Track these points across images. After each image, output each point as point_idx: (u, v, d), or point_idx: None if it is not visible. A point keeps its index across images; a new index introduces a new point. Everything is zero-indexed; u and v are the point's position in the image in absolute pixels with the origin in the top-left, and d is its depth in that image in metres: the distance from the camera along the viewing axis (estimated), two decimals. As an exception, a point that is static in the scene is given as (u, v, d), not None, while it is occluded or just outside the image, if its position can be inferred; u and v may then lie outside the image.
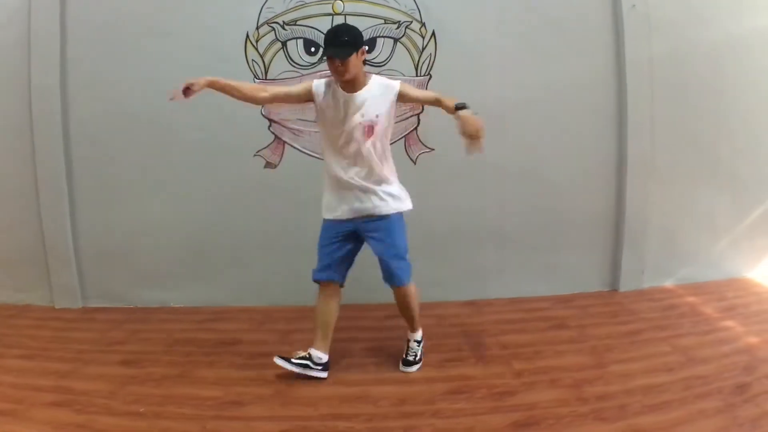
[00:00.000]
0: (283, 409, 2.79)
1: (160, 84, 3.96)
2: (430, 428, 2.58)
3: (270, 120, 4.01)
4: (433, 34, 3.94)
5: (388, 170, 3.04)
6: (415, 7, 3.91)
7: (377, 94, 2.90)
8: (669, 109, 4.17)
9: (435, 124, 3.98)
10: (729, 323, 3.67)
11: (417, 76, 3.94)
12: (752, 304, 3.98)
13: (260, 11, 3.92)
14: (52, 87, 4.05)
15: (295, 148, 4.03)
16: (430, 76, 3.94)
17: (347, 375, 3.13)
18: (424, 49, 3.94)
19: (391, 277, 3.02)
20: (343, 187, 2.98)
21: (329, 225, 3.06)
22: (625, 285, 4.27)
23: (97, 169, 4.17)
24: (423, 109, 3.97)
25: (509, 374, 3.07)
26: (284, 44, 3.94)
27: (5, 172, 4.26)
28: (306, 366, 3.08)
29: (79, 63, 4.08)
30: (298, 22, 3.91)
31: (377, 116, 2.89)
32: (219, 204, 4.16)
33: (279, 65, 3.96)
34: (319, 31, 3.88)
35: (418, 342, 3.26)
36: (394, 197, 3.00)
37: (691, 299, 4.10)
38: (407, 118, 3.99)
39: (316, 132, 3.87)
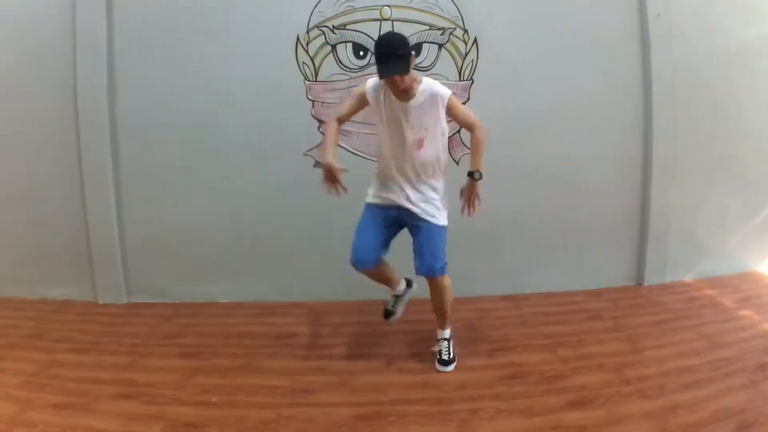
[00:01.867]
0: (354, 396, 3.01)
1: (209, 82, 4.18)
2: (493, 409, 2.85)
3: (320, 121, 4.21)
4: (475, 40, 4.19)
5: (438, 180, 3.19)
6: (458, 14, 4.16)
7: (425, 105, 3.00)
8: (691, 113, 4.47)
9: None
10: (746, 312, 4.03)
11: (460, 80, 4.20)
12: (765, 296, 4.34)
13: (310, 15, 4.12)
14: (99, 82, 4.18)
15: (344, 148, 4.21)
16: (473, 81, 4.19)
17: (408, 364, 3.36)
18: (466, 54, 4.19)
19: (433, 265, 3.17)
20: (392, 183, 3.17)
21: (374, 208, 3.22)
22: (650, 279, 4.59)
23: (143, 165, 4.32)
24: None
25: (556, 361, 3.36)
26: (334, 47, 4.15)
27: (51, 166, 4.38)
28: (401, 298, 3.51)
29: (127, 58, 4.22)
30: (347, 27, 4.13)
31: (426, 129, 3.05)
32: (266, 201, 4.33)
33: (329, 68, 4.17)
34: (367, 35, 4.13)
35: (448, 340, 3.42)
36: (437, 208, 3.17)
37: (709, 292, 4.45)
38: (450, 121, 4.13)
39: (365, 133, 4.15)
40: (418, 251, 3.16)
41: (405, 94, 2.96)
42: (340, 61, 4.14)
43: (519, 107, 4.23)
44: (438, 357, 3.33)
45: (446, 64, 4.17)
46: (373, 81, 3.06)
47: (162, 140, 4.26)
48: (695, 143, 4.52)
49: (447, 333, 3.39)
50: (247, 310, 4.29)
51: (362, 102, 3.11)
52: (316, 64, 4.14)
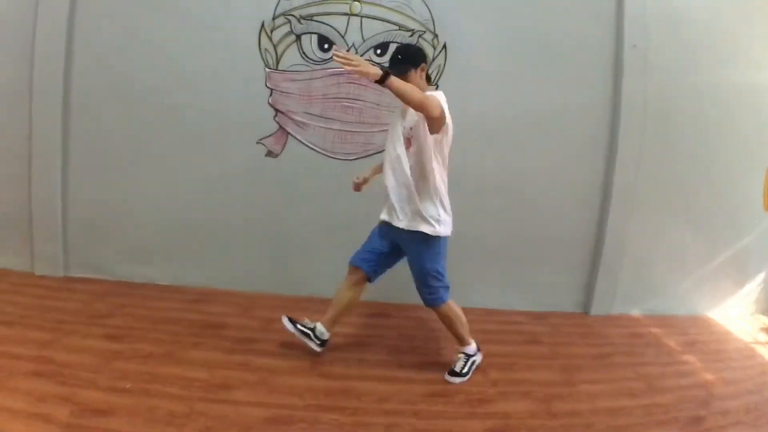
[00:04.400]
0: (269, 396, 2.92)
1: (168, 62, 4.07)
2: (410, 427, 2.75)
3: (276, 110, 4.09)
4: (445, 46, 4.07)
5: (427, 189, 3.05)
6: (430, 18, 4.04)
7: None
8: (657, 146, 4.36)
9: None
10: (689, 357, 3.90)
11: (425, 85, 4.05)
12: (711, 343, 4.21)
13: (278, 2, 3.99)
14: (57, 54, 4.02)
15: (297, 140, 4.12)
16: (437, 87, 4.05)
17: (332, 368, 3.27)
18: (434, 59, 4.07)
19: (420, 294, 3.28)
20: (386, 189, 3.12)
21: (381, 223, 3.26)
22: (597, 309, 4.48)
23: (93, 141, 4.18)
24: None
25: (486, 383, 3.26)
26: (298, 37, 4.03)
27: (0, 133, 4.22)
28: (307, 335, 3.29)
29: (87, 32, 4.06)
30: (314, 18, 4.00)
31: (411, 129, 3.00)
32: (215, 186, 4.22)
33: (291, 57, 4.04)
34: (334, 28, 4.01)
35: (467, 355, 3.37)
36: (422, 217, 3.05)
37: (655, 330, 4.33)
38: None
39: (320, 127, 4.06)
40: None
41: None
42: (304, 53, 4.01)
43: (482, 117, 4.13)
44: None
45: (412, 66, 4.06)
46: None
47: (115, 118, 4.12)
48: (660, 177, 4.42)
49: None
50: (182, 294, 4.17)
51: None
52: (279, 53, 4.01)
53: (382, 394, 3.02)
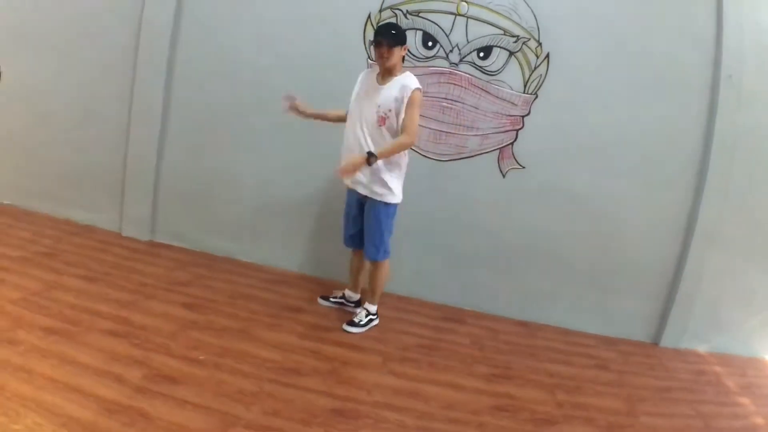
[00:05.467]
0: (339, 387, 2.83)
1: (272, 42, 4.04)
2: (473, 439, 2.63)
3: (375, 103, 3.95)
4: (548, 56, 3.87)
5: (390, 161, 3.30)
6: (536, 26, 3.85)
7: (395, 92, 3.19)
8: (744, 183, 4.05)
9: (531, 143, 3.97)
10: (744, 400, 3.68)
11: (524, 92, 3.89)
12: (766, 387, 3.97)
13: (386, -5, 3.91)
14: (165, 23, 4.04)
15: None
16: (537, 96, 3.89)
17: (402, 368, 3.16)
18: (536, 68, 3.88)
19: (366, 252, 3.49)
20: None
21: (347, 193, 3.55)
22: (666, 341, 4.23)
23: (192, 111, 4.19)
24: (523, 125, 3.94)
25: (551, 403, 3.10)
26: (403, 33, 3.85)
27: (103, 93, 4.27)
28: (341, 303, 3.77)
29: (196, 6, 4.05)
30: (420, 14, 3.87)
31: (390, 111, 3.20)
32: (307, 171, 4.15)
33: (395, 52, 3.88)
34: (440, 27, 3.86)
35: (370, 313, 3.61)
36: (386, 186, 3.30)
37: (717, 369, 4.10)
38: (506, 131, 3.93)
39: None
40: (365, 233, 3.46)
41: (384, 77, 3.26)
42: (407, 48, 3.87)
43: (578, 132, 3.95)
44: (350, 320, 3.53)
45: (513, 73, 3.87)
46: (365, 71, 3.47)
47: (216, 92, 4.11)
48: (742, 215, 4.10)
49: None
50: (263, 273, 4.13)
51: None
52: (382, 47, 3.89)
53: (449, 401, 2.89)
